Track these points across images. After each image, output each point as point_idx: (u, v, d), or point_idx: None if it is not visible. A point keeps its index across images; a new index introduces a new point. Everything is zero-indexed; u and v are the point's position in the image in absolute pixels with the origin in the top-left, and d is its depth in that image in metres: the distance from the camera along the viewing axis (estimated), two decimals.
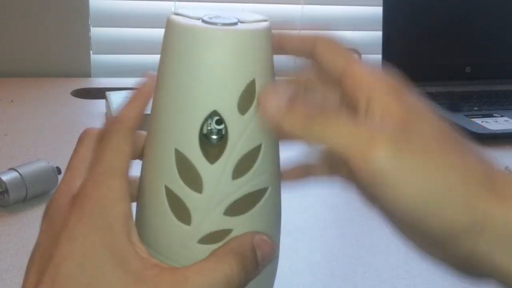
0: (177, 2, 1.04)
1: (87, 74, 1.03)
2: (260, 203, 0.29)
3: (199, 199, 0.28)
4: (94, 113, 0.82)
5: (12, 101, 0.85)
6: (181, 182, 0.28)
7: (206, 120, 0.27)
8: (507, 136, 0.84)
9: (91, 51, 1.03)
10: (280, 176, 0.31)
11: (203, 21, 0.27)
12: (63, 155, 0.68)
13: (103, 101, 0.82)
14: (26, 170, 0.56)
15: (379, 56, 1.05)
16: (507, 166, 0.74)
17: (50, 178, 0.57)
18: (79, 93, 0.92)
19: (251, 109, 0.27)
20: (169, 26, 0.27)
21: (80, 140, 0.31)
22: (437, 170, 0.26)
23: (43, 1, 0.96)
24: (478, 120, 0.88)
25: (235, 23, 0.27)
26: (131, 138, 0.29)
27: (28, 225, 0.53)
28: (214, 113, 0.27)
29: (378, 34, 1.05)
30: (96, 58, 1.04)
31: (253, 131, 0.28)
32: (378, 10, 1.06)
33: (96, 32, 1.02)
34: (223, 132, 0.27)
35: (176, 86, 0.27)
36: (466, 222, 0.26)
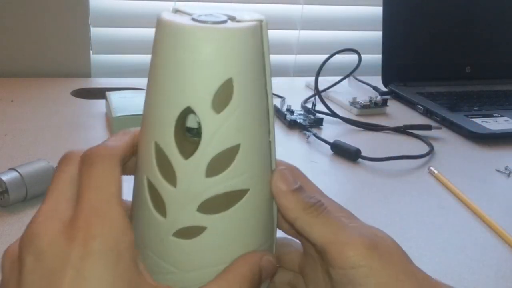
0: (177, 2, 1.04)
1: (87, 74, 1.03)
2: (237, 204, 0.29)
3: (173, 193, 0.28)
4: (94, 113, 0.82)
5: (12, 101, 0.85)
6: (159, 175, 0.28)
7: (181, 115, 0.27)
8: (507, 136, 0.85)
9: (91, 51, 1.03)
10: (269, 179, 0.31)
11: (193, 19, 0.27)
12: None
13: (103, 101, 0.82)
14: (26, 170, 0.56)
15: (379, 56, 1.05)
16: (507, 166, 0.74)
17: (50, 178, 0.57)
18: (79, 93, 0.91)
19: (228, 108, 0.27)
20: (156, 22, 0.28)
21: (62, 162, 0.29)
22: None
23: (43, 1, 0.96)
24: (478, 120, 0.88)
25: (223, 21, 0.27)
26: (120, 166, 0.28)
27: None
28: (188, 109, 0.27)
29: (378, 34, 1.05)
30: (96, 58, 1.04)
31: (229, 130, 0.27)
32: (378, 10, 1.06)
33: (96, 32, 1.02)
34: (198, 129, 0.28)
35: (155, 82, 0.28)
36: None
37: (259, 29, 0.28)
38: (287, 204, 0.30)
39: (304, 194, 0.31)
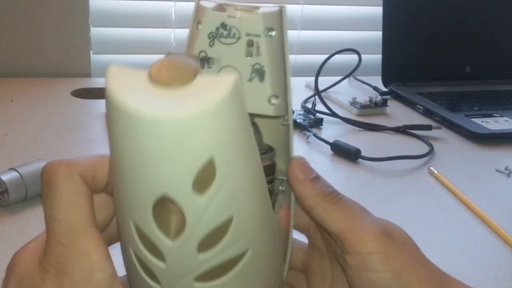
0: (177, 3, 1.04)
1: (87, 74, 1.03)
2: (237, 267, 0.27)
3: (164, 269, 0.26)
4: (94, 113, 0.82)
5: (12, 101, 0.85)
6: (146, 252, 0.26)
7: (158, 202, 0.24)
8: (507, 136, 0.85)
9: (91, 51, 1.03)
10: (271, 232, 0.29)
11: (149, 95, 0.22)
12: (63, 155, 0.68)
13: (103, 101, 0.82)
14: (26, 170, 0.56)
15: (379, 56, 1.05)
16: (507, 166, 0.74)
17: None
18: (79, 93, 0.91)
19: (213, 186, 0.24)
20: (106, 95, 0.22)
21: (44, 182, 0.27)
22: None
23: (43, 1, 0.96)
24: (478, 120, 0.88)
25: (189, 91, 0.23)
26: (83, 186, 0.26)
27: (28, 225, 0.53)
28: (165, 195, 0.23)
29: (378, 34, 1.05)
30: (96, 58, 1.04)
31: (217, 208, 0.24)
32: (378, 10, 1.06)
33: (96, 32, 1.02)
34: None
35: (124, 165, 0.24)
36: None
37: (238, 89, 0.23)
38: (305, 192, 0.31)
39: (321, 183, 0.31)
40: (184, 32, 0.95)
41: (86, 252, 0.25)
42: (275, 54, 0.31)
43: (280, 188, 0.34)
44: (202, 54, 0.30)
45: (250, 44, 0.30)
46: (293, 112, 0.86)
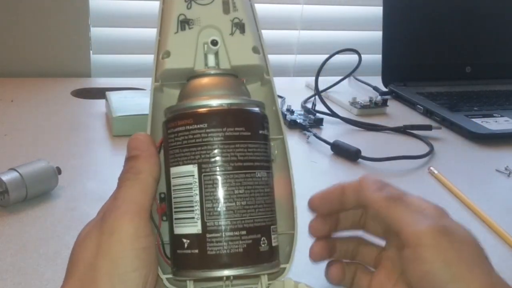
0: None
1: (87, 74, 1.03)
2: None
3: None
4: (94, 113, 0.82)
5: (12, 101, 0.85)
6: None
7: None
8: (507, 136, 0.84)
9: (91, 51, 1.03)
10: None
11: None
12: (63, 155, 0.68)
13: (103, 101, 0.82)
14: (26, 170, 0.55)
15: (379, 56, 1.05)
16: (507, 166, 0.74)
17: (50, 178, 0.57)
18: (79, 93, 0.92)
19: None
20: None
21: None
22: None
23: (43, 1, 0.96)
24: (478, 120, 0.88)
25: None
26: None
27: (28, 225, 0.53)
28: None
29: (378, 34, 1.05)
30: (96, 58, 1.04)
31: None
32: (378, 10, 1.06)
33: (96, 32, 1.02)
34: None
35: None
36: None
37: None
38: (374, 198, 0.36)
39: (385, 190, 0.36)
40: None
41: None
42: (249, 8, 0.33)
43: (276, 152, 0.37)
44: (182, 17, 0.32)
45: (225, 1, 0.32)
46: (293, 112, 0.86)
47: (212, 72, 0.33)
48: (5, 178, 0.54)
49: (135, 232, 0.29)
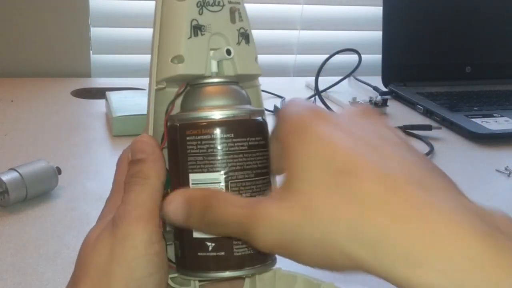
0: None
1: (87, 74, 1.03)
2: None
3: None
4: (94, 113, 0.82)
5: (12, 101, 0.85)
6: None
7: None
8: (507, 136, 0.84)
9: (91, 51, 1.03)
10: None
11: None
12: (63, 155, 0.68)
13: (103, 101, 0.82)
14: (26, 170, 0.55)
15: (379, 56, 1.05)
16: (507, 166, 0.74)
17: (50, 178, 0.57)
18: (79, 93, 0.92)
19: None
20: None
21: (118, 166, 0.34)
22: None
23: (43, 1, 0.96)
24: (478, 120, 0.88)
25: None
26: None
27: (28, 225, 0.53)
28: None
29: (378, 34, 1.05)
30: (96, 58, 1.04)
31: None
32: (378, 10, 1.06)
33: (96, 32, 1.02)
34: None
35: None
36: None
37: None
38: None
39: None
40: None
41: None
42: (248, 19, 0.35)
43: None
44: (194, 22, 0.33)
45: (232, 10, 0.33)
46: None
47: (228, 80, 0.34)
48: (5, 178, 0.54)
49: (149, 238, 0.30)
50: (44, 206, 0.56)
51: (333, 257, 0.24)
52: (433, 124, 0.87)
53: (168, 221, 0.30)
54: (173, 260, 0.34)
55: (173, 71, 0.33)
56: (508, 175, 0.73)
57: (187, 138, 0.32)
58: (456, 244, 0.20)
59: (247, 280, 0.37)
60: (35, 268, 0.46)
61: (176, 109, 0.34)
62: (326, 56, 0.92)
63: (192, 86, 0.34)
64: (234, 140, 0.31)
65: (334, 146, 0.24)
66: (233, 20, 0.34)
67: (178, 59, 0.33)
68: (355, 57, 0.92)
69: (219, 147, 0.31)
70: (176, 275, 0.34)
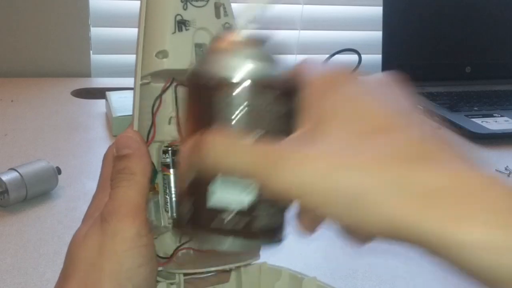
0: None
1: (87, 74, 1.03)
2: None
3: None
4: (94, 113, 0.82)
5: (12, 101, 0.85)
6: None
7: None
8: (507, 136, 0.84)
9: (91, 51, 1.03)
10: None
11: None
12: (63, 155, 0.68)
13: (103, 101, 0.82)
14: (26, 170, 0.55)
15: (379, 56, 1.05)
16: (507, 166, 0.74)
17: (50, 178, 0.57)
18: (79, 93, 0.92)
19: None
20: None
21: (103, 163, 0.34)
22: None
23: (43, 1, 0.96)
24: (478, 120, 0.88)
25: None
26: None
27: (28, 225, 0.53)
28: None
29: (378, 34, 1.05)
30: (96, 58, 1.04)
31: None
32: (378, 10, 1.06)
33: (96, 32, 1.02)
34: None
35: None
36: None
37: None
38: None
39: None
40: None
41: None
42: (233, 14, 0.34)
43: None
44: (179, 18, 0.33)
45: (217, 6, 0.33)
46: None
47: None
48: (5, 178, 0.54)
49: (137, 232, 0.30)
50: (44, 206, 0.56)
51: (367, 212, 0.22)
52: (433, 124, 0.86)
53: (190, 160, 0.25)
54: (159, 255, 0.34)
55: (157, 66, 0.33)
56: (508, 175, 0.73)
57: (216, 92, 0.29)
58: (501, 199, 0.22)
59: (233, 274, 0.37)
60: (35, 268, 0.46)
61: (163, 104, 0.34)
62: (326, 56, 0.92)
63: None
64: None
65: (369, 105, 0.26)
66: (218, 15, 0.34)
67: (163, 54, 0.33)
68: (355, 57, 0.92)
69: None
70: (161, 268, 0.35)
